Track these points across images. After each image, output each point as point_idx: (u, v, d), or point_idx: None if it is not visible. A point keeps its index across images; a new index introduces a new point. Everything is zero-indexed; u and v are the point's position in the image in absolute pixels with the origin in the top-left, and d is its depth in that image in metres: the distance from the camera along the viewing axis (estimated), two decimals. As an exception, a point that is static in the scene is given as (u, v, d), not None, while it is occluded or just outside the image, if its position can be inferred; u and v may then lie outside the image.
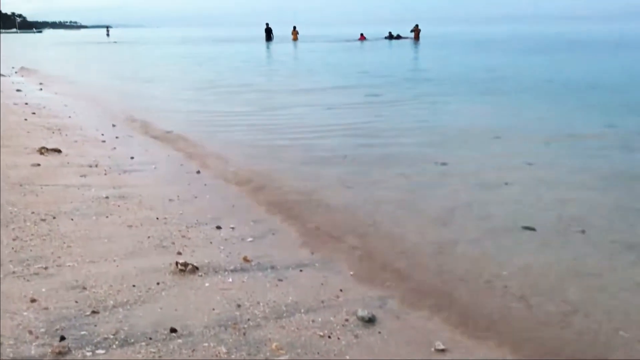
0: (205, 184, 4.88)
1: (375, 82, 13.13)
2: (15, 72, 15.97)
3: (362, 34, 40.49)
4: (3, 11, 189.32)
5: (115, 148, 6.12)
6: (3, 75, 14.06)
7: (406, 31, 40.76)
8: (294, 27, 42.57)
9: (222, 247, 3.35)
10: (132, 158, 5.64)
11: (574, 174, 5.18)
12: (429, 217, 4.02)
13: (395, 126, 7.70)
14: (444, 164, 5.57)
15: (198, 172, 5.28)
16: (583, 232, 3.70)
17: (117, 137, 6.77)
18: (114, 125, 7.62)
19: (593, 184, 4.83)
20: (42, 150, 5.47)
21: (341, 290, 2.84)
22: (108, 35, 65.90)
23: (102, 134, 6.88)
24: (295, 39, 41.11)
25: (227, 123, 8.06)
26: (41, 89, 11.82)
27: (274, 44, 36.42)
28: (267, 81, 14.39)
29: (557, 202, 4.36)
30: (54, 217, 3.60)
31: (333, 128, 7.50)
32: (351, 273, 3.09)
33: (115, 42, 45.40)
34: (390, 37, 40.03)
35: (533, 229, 3.72)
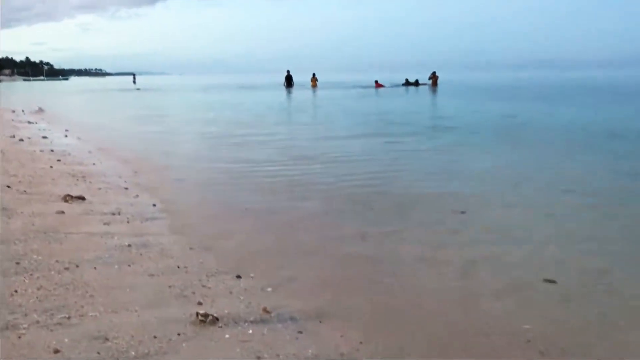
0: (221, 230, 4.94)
1: (394, 129, 13.25)
2: (40, 118, 16.39)
3: (376, 81, 40.69)
4: (33, 60, 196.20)
5: (137, 195, 6.23)
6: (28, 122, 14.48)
7: (424, 78, 41.13)
8: (313, 74, 43.27)
9: (242, 297, 3.37)
10: (154, 205, 5.74)
11: (596, 226, 5.14)
12: (448, 269, 4.00)
13: (414, 173, 7.74)
14: (463, 212, 5.56)
15: (218, 219, 5.34)
16: (607, 285, 3.65)
17: (139, 184, 6.89)
18: (136, 172, 7.76)
19: (616, 237, 4.78)
20: (67, 198, 5.59)
21: (361, 342, 2.83)
22: (134, 82, 67.32)
23: (125, 181, 7.02)
24: (314, 85, 41.81)
25: (248, 171, 8.16)
26: (66, 136, 12.12)
27: (294, 91, 37.07)
28: (287, 129, 14.58)
29: (580, 254, 4.31)
30: (77, 266, 3.66)
31: (352, 176, 7.55)
32: (370, 325, 3.08)
33: (138, 89, 46.42)
34: (408, 83, 40.24)
35: (554, 282, 3.68)
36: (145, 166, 8.43)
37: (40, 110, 20.68)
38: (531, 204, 5.93)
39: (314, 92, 36.17)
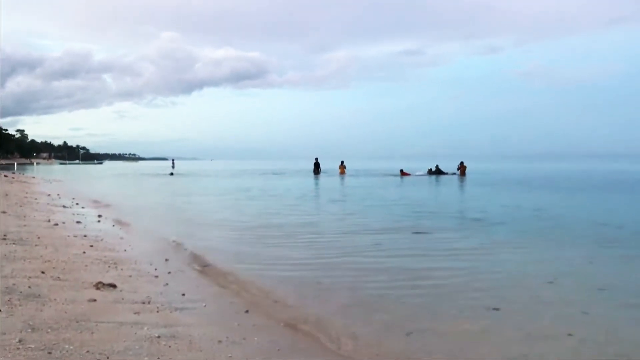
0: (253, 324, 4.90)
1: (422, 221, 13.22)
2: (76, 204, 16.83)
3: (402, 170, 41.15)
4: (70, 144, 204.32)
5: (167, 284, 6.27)
6: (65, 207, 14.88)
7: (453, 167, 41.53)
8: (342, 162, 44.24)
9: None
10: (183, 295, 5.75)
11: (631, 324, 4.97)
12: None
13: (445, 267, 7.64)
14: (496, 309, 5.45)
15: (247, 311, 5.32)
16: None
17: (169, 272, 6.94)
18: (166, 260, 7.84)
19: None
20: (99, 285, 5.66)
21: None
22: (173, 167, 67.80)
23: (155, 269, 7.08)
24: (342, 172, 42.64)
25: (277, 260, 8.18)
26: (99, 221, 12.38)
27: (322, 178, 37.68)
28: (316, 219, 14.66)
29: (617, 354, 4.15)
30: (107, 358, 3.65)
31: (382, 267, 7.51)
32: None
33: (172, 174, 47.43)
34: (431, 172, 40.55)
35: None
36: (176, 254, 8.53)
37: (73, 196, 21.29)
38: (566, 302, 5.78)
39: (342, 179, 36.66)
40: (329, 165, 45.59)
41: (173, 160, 78.83)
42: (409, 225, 12.16)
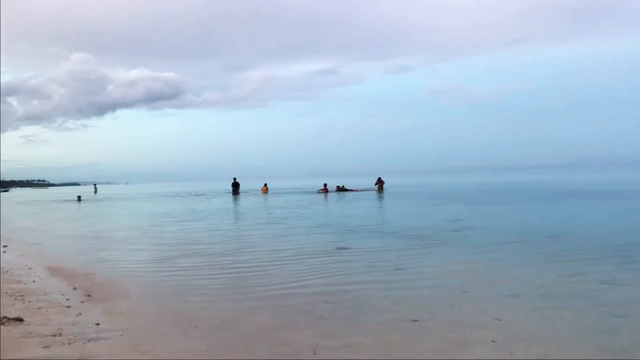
0: (173, 350, 4.74)
1: (340, 235, 13.37)
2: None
3: (325, 185, 42.00)
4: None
5: (80, 314, 5.97)
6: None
7: (371, 183, 42.73)
8: (265, 184, 45.17)
9: None
10: (97, 324, 5.49)
11: (544, 327, 5.24)
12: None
13: (365, 281, 7.74)
14: (414, 320, 5.58)
15: (167, 335, 5.15)
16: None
17: (82, 302, 6.62)
18: (74, 289, 7.46)
19: (565, 336, 4.88)
20: (3, 320, 5.30)
21: None
22: (95, 192, 67.83)
23: (67, 299, 6.73)
24: (265, 191, 43.08)
25: (195, 283, 7.99)
26: (4, 252, 11.64)
27: (242, 198, 37.42)
28: (221, 240, 14.48)
29: (531, 357, 4.36)
30: (13, 397, 3.42)
31: (302, 284, 7.51)
32: None
33: (79, 198, 44.37)
34: (339, 189, 41.42)
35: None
36: (88, 282, 8.14)
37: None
38: (480, 310, 6.00)
39: (265, 197, 36.61)
40: (250, 185, 45.35)
41: (95, 184, 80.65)
42: (329, 241, 12.26)
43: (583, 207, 21.13)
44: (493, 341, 4.82)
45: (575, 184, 46.28)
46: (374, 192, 38.73)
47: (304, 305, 6.38)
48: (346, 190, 40.99)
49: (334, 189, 41.32)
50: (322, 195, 37.03)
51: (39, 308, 6.11)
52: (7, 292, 6.86)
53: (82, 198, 44.60)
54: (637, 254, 9.35)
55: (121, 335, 5.19)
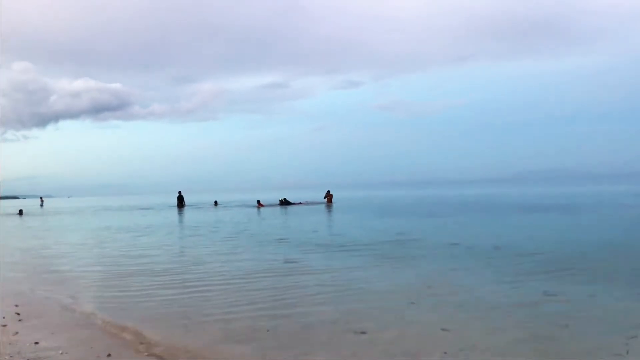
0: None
1: (289, 249, 13.35)
2: None
3: (259, 201, 41.23)
4: None
5: (17, 332, 5.73)
6: None
7: (320, 196, 43.01)
8: (215, 201, 45.33)
9: None
10: (36, 343, 5.29)
11: (488, 337, 5.39)
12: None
13: (313, 295, 7.74)
14: (363, 332, 5.63)
15: (109, 355, 5.00)
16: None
17: (19, 320, 6.35)
18: (16, 306, 7.17)
19: (507, 347, 5.03)
20: None
21: None
22: (42, 205, 65.95)
23: (4, 317, 6.44)
24: (216, 205, 43.29)
25: (143, 296, 7.82)
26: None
27: (186, 211, 36.99)
28: (177, 258, 14.24)
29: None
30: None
31: (250, 299, 7.45)
32: None
33: (20, 212, 42.19)
34: (282, 203, 41.37)
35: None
36: (26, 301, 7.83)
37: None
38: (427, 321, 6.11)
39: (216, 210, 36.43)
40: (199, 198, 44.75)
41: (42, 198, 77.36)
42: (278, 255, 12.21)
43: (526, 220, 21.89)
44: (445, 352, 4.92)
45: (523, 197, 47.95)
46: (323, 205, 38.89)
47: (252, 320, 6.33)
48: (290, 203, 40.95)
49: (277, 203, 41.20)
50: (269, 209, 36.61)
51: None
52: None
53: (24, 212, 42.58)
54: (573, 265, 9.74)
55: (62, 353, 5.02)
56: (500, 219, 22.50)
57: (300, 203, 41.48)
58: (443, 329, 5.68)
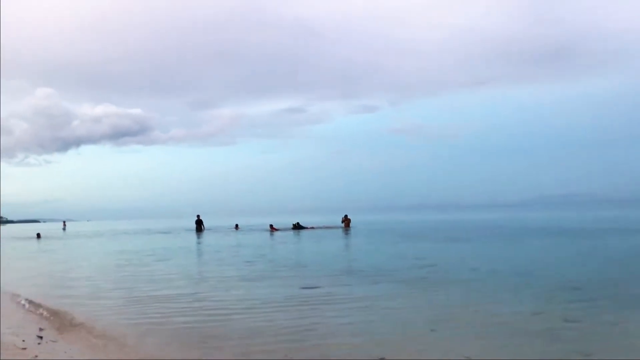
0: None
1: (311, 275, 13.28)
2: None
3: (272, 225, 41.25)
4: None
5: (37, 356, 5.76)
6: None
7: (337, 220, 42.97)
8: (236, 224, 46.75)
9: None
10: None
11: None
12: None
13: (333, 324, 7.59)
14: (383, 360, 5.56)
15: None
16: None
17: (39, 344, 6.39)
18: (41, 329, 7.22)
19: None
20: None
21: None
22: (64, 229, 67.16)
23: (23, 340, 6.48)
24: (237, 229, 43.74)
25: (159, 321, 7.82)
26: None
27: (205, 235, 37.11)
28: (197, 285, 14.26)
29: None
30: None
31: (271, 325, 7.41)
32: None
33: (38, 236, 42.47)
34: (295, 227, 41.21)
35: None
36: (51, 323, 7.87)
37: None
38: (449, 348, 6.02)
39: (237, 234, 36.58)
40: (218, 222, 44.89)
41: (64, 222, 79.92)
42: (297, 280, 12.14)
43: (547, 245, 21.56)
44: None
45: (539, 221, 47.33)
46: (341, 230, 38.76)
47: (269, 345, 6.29)
48: (302, 227, 40.87)
49: (290, 227, 41.11)
50: (282, 233, 36.48)
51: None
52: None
53: (42, 235, 43.02)
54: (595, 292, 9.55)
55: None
56: (519, 243, 22.22)
57: (312, 227, 41.32)
58: (463, 357, 5.58)
